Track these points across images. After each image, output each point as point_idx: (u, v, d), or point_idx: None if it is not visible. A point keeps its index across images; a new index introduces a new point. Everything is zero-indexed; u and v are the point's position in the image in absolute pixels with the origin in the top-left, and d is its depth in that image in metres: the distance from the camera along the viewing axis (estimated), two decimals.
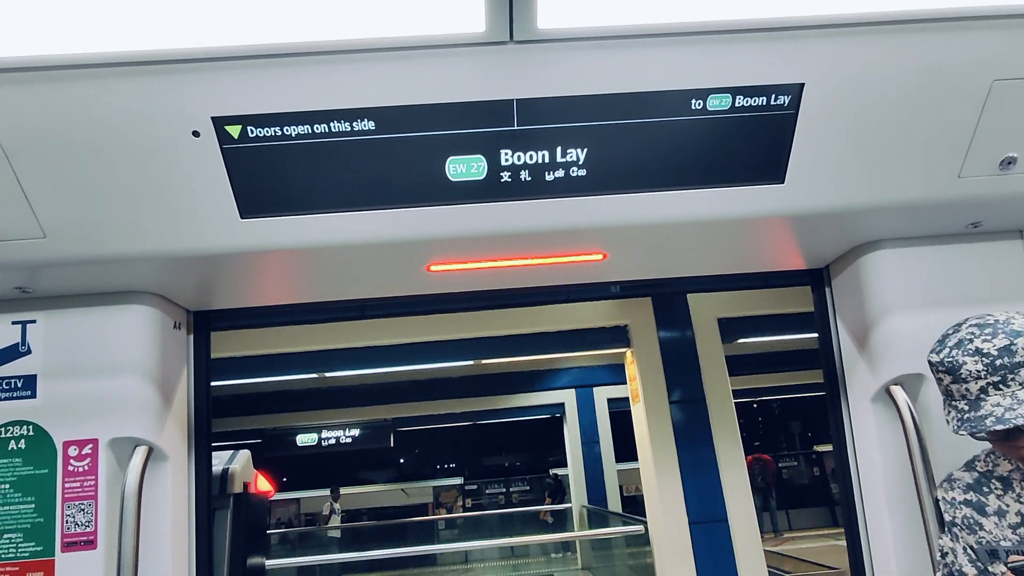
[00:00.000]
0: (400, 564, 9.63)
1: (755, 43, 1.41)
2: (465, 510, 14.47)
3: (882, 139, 1.54)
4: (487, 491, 15.36)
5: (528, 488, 15.24)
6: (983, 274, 1.86)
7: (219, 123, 1.41)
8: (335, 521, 11.13)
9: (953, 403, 1.44)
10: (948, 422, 1.44)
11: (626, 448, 7.24)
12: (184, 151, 1.43)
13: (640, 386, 4.69)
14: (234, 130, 1.43)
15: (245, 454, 2.54)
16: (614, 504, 9.34)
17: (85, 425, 1.70)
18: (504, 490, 15.31)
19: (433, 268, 1.83)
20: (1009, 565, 1.34)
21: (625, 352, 5.05)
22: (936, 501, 1.61)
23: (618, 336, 5.10)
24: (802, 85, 1.46)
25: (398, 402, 8.63)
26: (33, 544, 1.64)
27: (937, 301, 1.83)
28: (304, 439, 10.22)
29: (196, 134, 1.41)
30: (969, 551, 1.45)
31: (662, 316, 4.83)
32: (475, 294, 2.14)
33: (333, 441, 10.19)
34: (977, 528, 1.45)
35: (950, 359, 1.42)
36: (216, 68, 1.35)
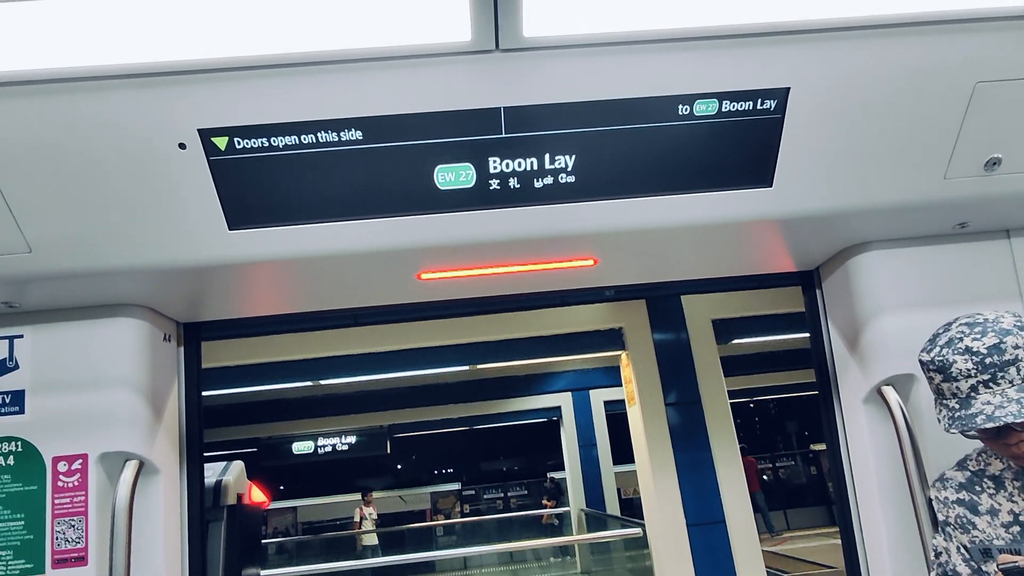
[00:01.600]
0: (399, 572, 9.58)
1: (741, 48, 1.42)
2: (463, 516, 14.42)
3: (868, 142, 1.55)
4: (485, 496, 15.32)
5: (526, 492, 15.22)
6: (971, 274, 1.87)
7: (205, 135, 1.41)
8: (367, 527, 10.56)
9: (944, 402, 1.44)
10: (939, 421, 1.44)
11: (623, 451, 7.24)
12: (171, 163, 1.42)
13: (636, 388, 4.69)
14: (221, 142, 1.42)
15: (239, 465, 2.52)
16: (612, 507, 9.33)
17: (74, 440, 1.69)
18: (502, 495, 15.28)
19: (424, 276, 1.83)
20: (1000, 566, 1.35)
21: (620, 355, 5.06)
22: (929, 500, 1.62)
23: (613, 339, 5.11)
24: (788, 89, 1.47)
25: (394, 408, 8.61)
26: (23, 561, 1.63)
27: (926, 301, 1.84)
28: (300, 447, 10.17)
29: (183, 146, 1.41)
30: (962, 550, 1.46)
31: (656, 318, 4.84)
32: (467, 301, 2.14)
33: (329, 449, 10.15)
34: (970, 527, 1.46)
35: (940, 358, 1.42)
36: (202, 80, 1.34)
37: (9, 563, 1.62)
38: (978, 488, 1.49)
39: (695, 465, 4.50)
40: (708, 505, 4.44)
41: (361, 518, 10.48)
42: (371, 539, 10.35)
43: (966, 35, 1.43)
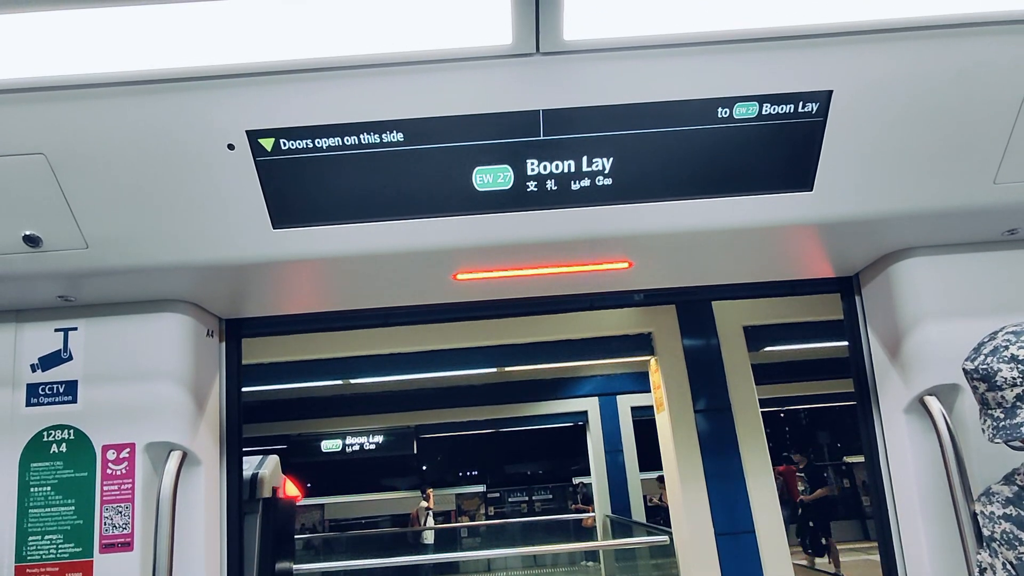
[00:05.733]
0: (423, 572, 9.64)
1: (782, 51, 1.41)
2: (487, 518, 14.42)
3: (914, 145, 1.52)
4: (509, 499, 15.31)
5: (551, 497, 15.16)
6: (1019, 282, 1.81)
7: (253, 136, 1.45)
8: (430, 522, 10.17)
9: (988, 411, 1.41)
10: (983, 430, 1.41)
11: (650, 457, 7.17)
12: (219, 164, 1.47)
13: (664, 394, 4.65)
14: (267, 143, 1.47)
15: (274, 459, 2.58)
16: (638, 514, 9.24)
17: (123, 429, 1.75)
18: (527, 498, 15.24)
19: (459, 277, 1.85)
20: None
21: (649, 360, 5.02)
22: (973, 515, 1.57)
23: (642, 344, 5.07)
24: (830, 92, 1.45)
25: (421, 409, 8.68)
26: (72, 545, 1.69)
27: (972, 310, 1.79)
28: (328, 445, 10.31)
29: (231, 147, 1.46)
30: (1008, 567, 1.42)
31: (686, 324, 4.79)
32: (500, 302, 2.16)
33: (357, 447, 10.27)
34: (1017, 544, 1.41)
35: (985, 366, 1.39)
36: (250, 83, 1.39)
37: (60, 546, 1.69)
38: None
39: (724, 473, 4.43)
40: (737, 514, 4.37)
41: (427, 514, 10.35)
42: (428, 536, 10.22)
43: (1016, 36, 1.39)
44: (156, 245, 1.58)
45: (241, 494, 2.07)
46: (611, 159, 1.53)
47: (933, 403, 1.76)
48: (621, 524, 8.78)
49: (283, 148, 1.48)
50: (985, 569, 1.46)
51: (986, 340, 1.45)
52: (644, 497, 9.59)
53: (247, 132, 1.44)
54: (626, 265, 1.85)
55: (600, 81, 1.43)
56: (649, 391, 5.12)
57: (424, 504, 10.36)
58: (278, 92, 1.41)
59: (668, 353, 4.73)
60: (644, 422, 8.28)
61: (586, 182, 1.55)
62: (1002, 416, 1.37)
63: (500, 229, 1.60)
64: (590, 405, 9.52)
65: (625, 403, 9.38)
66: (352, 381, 6.66)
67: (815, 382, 8.19)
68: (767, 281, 2.15)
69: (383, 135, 1.48)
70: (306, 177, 1.51)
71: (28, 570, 1.67)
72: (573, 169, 1.53)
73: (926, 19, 1.36)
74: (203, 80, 1.38)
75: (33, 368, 1.78)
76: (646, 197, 1.57)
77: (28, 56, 1.31)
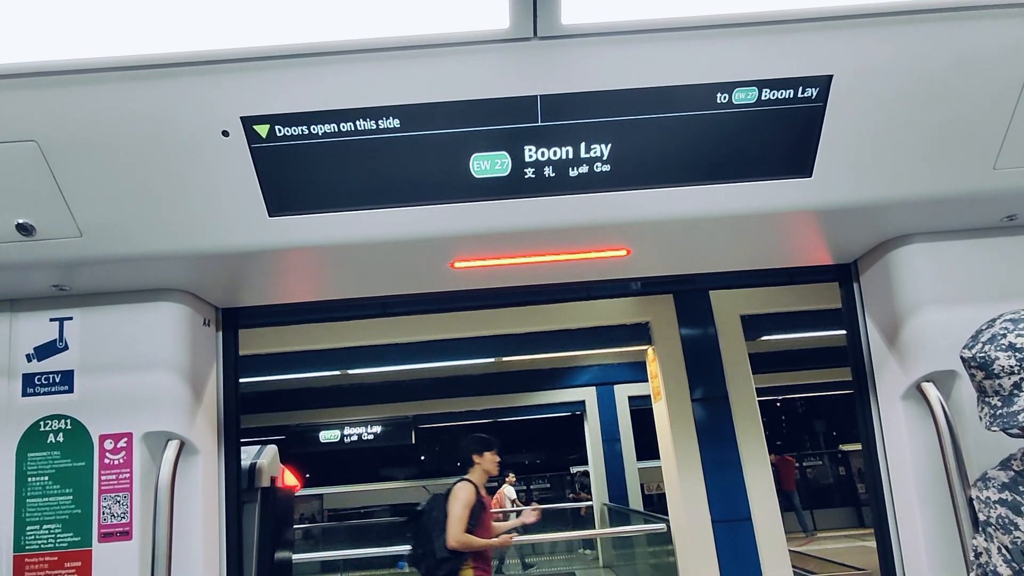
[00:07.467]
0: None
1: (782, 35, 1.39)
2: None
3: (913, 131, 1.51)
4: None
5: (548, 486, 15.26)
6: (1018, 269, 1.81)
7: (248, 123, 1.44)
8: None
9: (986, 399, 1.41)
10: (981, 418, 1.42)
11: (647, 446, 7.21)
12: (214, 151, 1.46)
13: (662, 384, 4.66)
14: (262, 129, 1.45)
15: (272, 449, 2.58)
16: (635, 503, 9.31)
17: (120, 419, 1.75)
18: (525, 487, 15.34)
19: (457, 265, 1.84)
20: None
21: (646, 349, 5.03)
22: (969, 500, 1.58)
23: (639, 333, 5.08)
24: (830, 77, 1.44)
25: (420, 399, 8.71)
26: (71, 535, 1.69)
27: (970, 296, 1.79)
28: (327, 436, 10.35)
29: (225, 134, 1.44)
30: (1004, 551, 1.42)
31: (684, 313, 4.80)
32: (498, 291, 2.15)
33: (355, 438, 10.31)
34: (1012, 528, 1.42)
35: (983, 354, 1.39)
36: (244, 69, 1.37)
37: (58, 536, 1.69)
38: (1022, 488, 1.45)
39: (721, 462, 4.46)
40: (734, 502, 4.40)
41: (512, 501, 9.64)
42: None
43: (1017, 20, 1.38)
44: (151, 233, 1.56)
45: (240, 483, 2.07)
46: (609, 145, 1.52)
47: (930, 390, 1.77)
48: (618, 512, 8.84)
49: (278, 135, 1.46)
50: (981, 553, 1.47)
51: (984, 328, 1.45)
52: (641, 486, 9.65)
53: (242, 118, 1.43)
54: (624, 253, 1.85)
55: (598, 66, 1.41)
56: (647, 380, 5.13)
57: (509, 487, 9.92)
58: (273, 78, 1.39)
59: (665, 342, 4.74)
60: (642, 411, 8.32)
61: (584, 168, 1.54)
62: (999, 404, 1.37)
63: (498, 216, 1.59)
64: (588, 394, 9.57)
65: (622, 392, 9.42)
66: (350, 371, 6.67)
67: (812, 371, 8.23)
68: (765, 269, 2.14)
69: (379, 121, 1.46)
70: (302, 164, 1.50)
71: (27, 559, 1.67)
72: (571, 155, 1.52)
73: (927, 3, 1.35)
74: (197, 65, 1.36)
75: (28, 358, 1.77)
76: (645, 183, 1.56)
77: (19, 41, 1.29)
